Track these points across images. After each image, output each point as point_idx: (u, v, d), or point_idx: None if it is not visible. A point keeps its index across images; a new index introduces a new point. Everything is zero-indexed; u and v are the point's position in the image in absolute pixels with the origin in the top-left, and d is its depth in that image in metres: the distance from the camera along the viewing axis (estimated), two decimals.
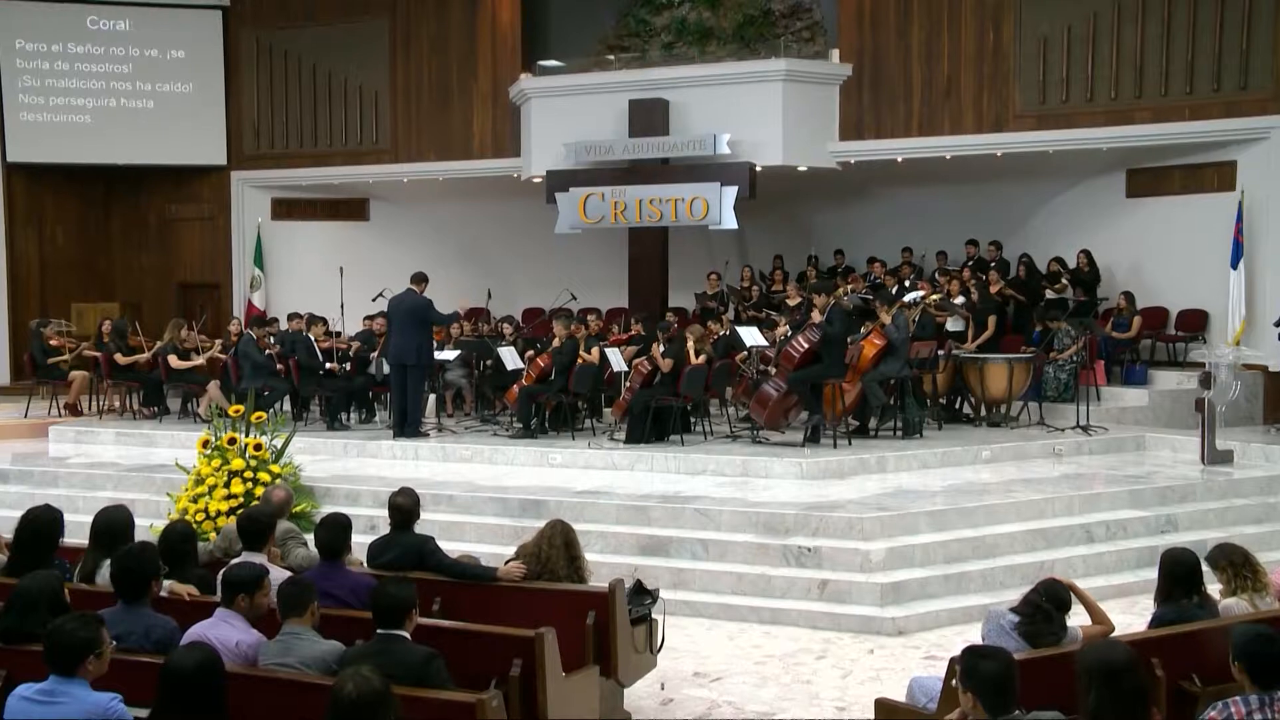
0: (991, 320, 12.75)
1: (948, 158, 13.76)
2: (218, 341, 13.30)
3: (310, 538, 5.63)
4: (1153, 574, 5.27)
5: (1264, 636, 3.78)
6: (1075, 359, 11.93)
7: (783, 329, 11.49)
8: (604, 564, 7.42)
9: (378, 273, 13.70)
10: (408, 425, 10.97)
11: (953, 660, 4.17)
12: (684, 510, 8.34)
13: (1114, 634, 4.80)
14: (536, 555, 5.49)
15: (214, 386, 12.25)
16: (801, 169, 13.92)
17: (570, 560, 5.51)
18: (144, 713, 3.74)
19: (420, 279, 11.06)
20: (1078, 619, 4.83)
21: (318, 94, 16.48)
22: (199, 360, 12.66)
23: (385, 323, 12.33)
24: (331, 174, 16.40)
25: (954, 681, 3.79)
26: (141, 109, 16.44)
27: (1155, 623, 4.89)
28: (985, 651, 3.79)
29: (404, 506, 5.68)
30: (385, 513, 5.90)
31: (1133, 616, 6.83)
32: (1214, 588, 5.14)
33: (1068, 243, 13.97)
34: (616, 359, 11.40)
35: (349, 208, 17.14)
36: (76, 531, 6.02)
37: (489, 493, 9.00)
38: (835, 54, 14.13)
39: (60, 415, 13.19)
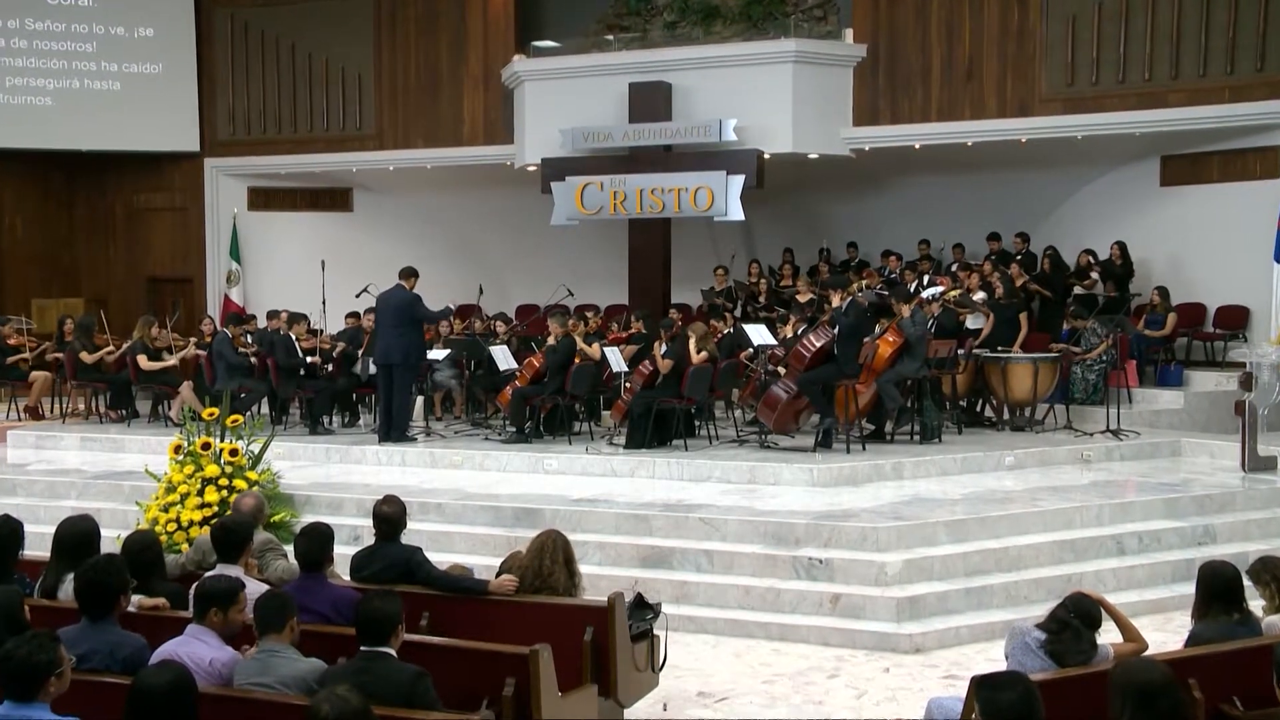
0: (1024, 318, 12.73)
1: (969, 145, 13.75)
2: (191, 340, 13.28)
3: (290, 549, 5.62)
4: (1189, 589, 5.26)
5: None
6: (1104, 358, 11.92)
7: (793, 326, 11.48)
8: (603, 576, 7.44)
9: (361, 267, 13.70)
10: (394, 429, 10.98)
11: (974, 680, 4.16)
12: (687, 519, 8.33)
13: (1148, 653, 4.79)
14: (536, 570, 5.47)
15: (187, 388, 12.25)
16: (812, 157, 13.91)
17: (569, 576, 5.50)
18: None
19: (409, 274, 11.10)
20: (1108, 636, 4.82)
21: (297, 76, 16.48)
22: (171, 360, 12.64)
23: (374, 320, 12.36)
24: (312, 162, 16.40)
25: (974, 717, 3.76)
26: (107, 91, 16.40)
27: (1193, 641, 4.88)
28: (999, 681, 3.68)
29: (389, 516, 5.67)
30: (369, 522, 5.90)
31: (1168, 634, 6.82)
32: (1256, 604, 5.12)
33: (1097, 235, 13.96)
34: (616, 358, 11.40)
35: (331, 198, 17.14)
36: (37, 543, 6.01)
37: (480, 501, 8.99)
38: (849, 34, 14.11)
39: (20, 419, 13.19)
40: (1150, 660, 4.09)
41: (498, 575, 5.62)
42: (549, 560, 5.45)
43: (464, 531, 8.61)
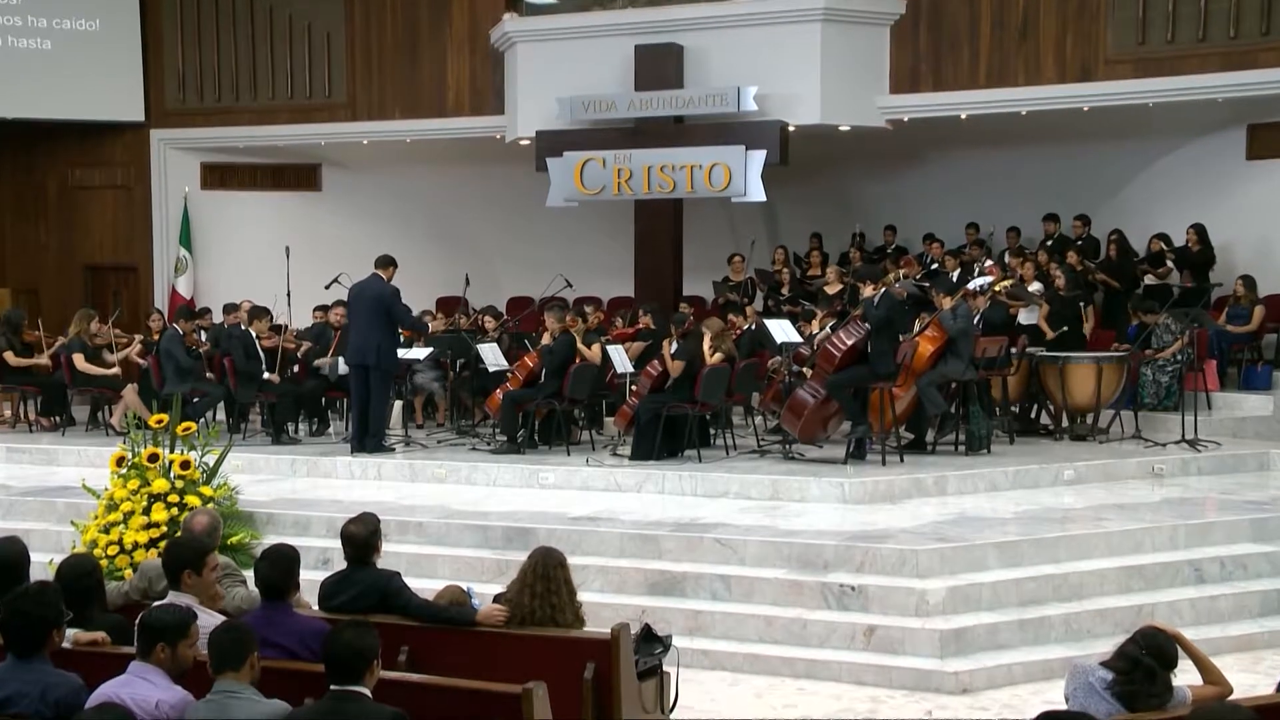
0: (1090, 311, 12.70)
1: (1023, 114, 13.73)
2: (136, 337, 13.29)
3: (250, 575, 5.61)
4: None
5: None
6: (1179, 358, 11.89)
7: (820, 322, 11.48)
8: (606, 605, 7.45)
9: (332, 254, 13.72)
10: (369, 438, 11.00)
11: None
12: (702, 540, 8.34)
13: (1232, 697, 4.76)
14: (519, 602, 5.47)
15: (130, 391, 12.26)
16: (844, 129, 13.91)
17: (557, 604, 5.47)
18: None
19: (386, 263, 11.12)
20: (1185, 677, 4.79)
21: (257, 36, 16.48)
22: (111, 359, 12.65)
23: (344, 314, 12.36)
24: (275, 134, 16.40)
25: None
26: (35, 51, 16.28)
27: None
28: (1066, 719, 3.71)
29: (357, 537, 5.66)
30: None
31: (1257, 676, 6.79)
32: None
33: (1171, 217, 13.92)
34: (620, 358, 11.40)
35: (296, 175, 17.15)
36: None
37: (466, 519, 9.02)
38: None
39: None
40: (1235, 705, 4.07)
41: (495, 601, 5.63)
42: (529, 596, 5.43)
43: (448, 554, 8.63)
